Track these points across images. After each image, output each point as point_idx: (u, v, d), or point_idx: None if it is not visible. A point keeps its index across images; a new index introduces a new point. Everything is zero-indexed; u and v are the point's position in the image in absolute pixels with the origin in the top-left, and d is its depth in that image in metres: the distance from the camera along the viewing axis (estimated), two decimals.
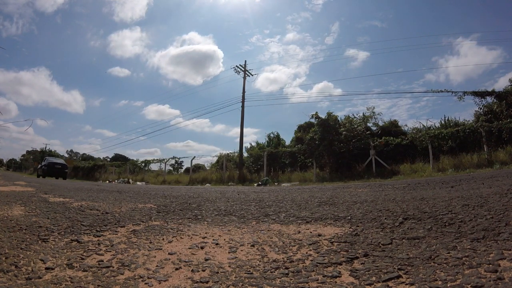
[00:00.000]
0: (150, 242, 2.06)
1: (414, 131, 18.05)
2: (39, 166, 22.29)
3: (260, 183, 15.42)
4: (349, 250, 1.74)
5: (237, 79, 55.83)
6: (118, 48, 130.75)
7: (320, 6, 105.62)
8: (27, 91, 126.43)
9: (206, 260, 1.67)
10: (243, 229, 2.51)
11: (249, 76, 24.24)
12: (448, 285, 1.16)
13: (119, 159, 42.94)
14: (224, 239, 2.14)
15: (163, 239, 2.16)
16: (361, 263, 1.51)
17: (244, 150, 22.95)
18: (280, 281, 1.33)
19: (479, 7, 71.81)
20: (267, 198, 5.09)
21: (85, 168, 33.53)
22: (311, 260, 1.60)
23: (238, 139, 22.18)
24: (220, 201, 4.74)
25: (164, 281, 1.36)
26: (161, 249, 1.90)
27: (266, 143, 28.47)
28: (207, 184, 17.38)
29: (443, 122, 18.51)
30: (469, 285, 1.13)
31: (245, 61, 35.52)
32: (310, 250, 1.81)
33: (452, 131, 14.67)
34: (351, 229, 2.30)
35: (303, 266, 1.52)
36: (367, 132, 16.82)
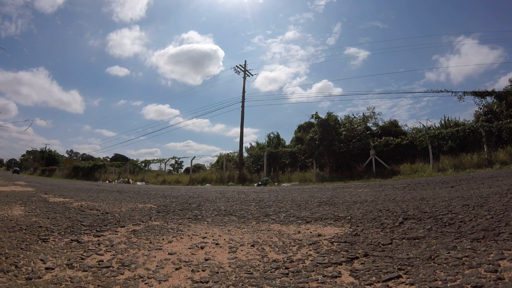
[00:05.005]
0: (150, 242, 2.06)
1: (414, 131, 18.03)
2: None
3: (260, 183, 15.41)
4: (349, 250, 1.74)
5: (237, 79, 55.92)
6: (117, 47, 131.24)
7: (323, 6, 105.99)
8: (27, 91, 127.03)
9: (206, 260, 1.67)
10: (243, 229, 2.51)
11: (249, 76, 24.21)
12: (448, 285, 1.16)
13: (119, 159, 42.91)
14: (224, 239, 2.14)
15: (163, 239, 2.16)
16: (361, 263, 1.51)
17: (244, 150, 22.93)
18: (280, 281, 1.33)
19: (481, 8, 71.86)
20: (267, 198, 5.09)
21: (85, 168, 33.50)
22: (311, 260, 1.60)
23: (238, 139, 22.17)
24: (220, 201, 4.74)
25: (164, 281, 1.36)
26: (161, 249, 1.90)
27: (266, 143, 28.47)
28: (207, 184, 17.36)
29: (443, 122, 18.51)
30: (469, 285, 1.13)
31: (245, 61, 35.55)
32: (310, 250, 1.81)
33: (452, 131, 14.65)
34: (351, 229, 2.30)
35: (303, 266, 1.52)
36: (367, 132, 16.82)
